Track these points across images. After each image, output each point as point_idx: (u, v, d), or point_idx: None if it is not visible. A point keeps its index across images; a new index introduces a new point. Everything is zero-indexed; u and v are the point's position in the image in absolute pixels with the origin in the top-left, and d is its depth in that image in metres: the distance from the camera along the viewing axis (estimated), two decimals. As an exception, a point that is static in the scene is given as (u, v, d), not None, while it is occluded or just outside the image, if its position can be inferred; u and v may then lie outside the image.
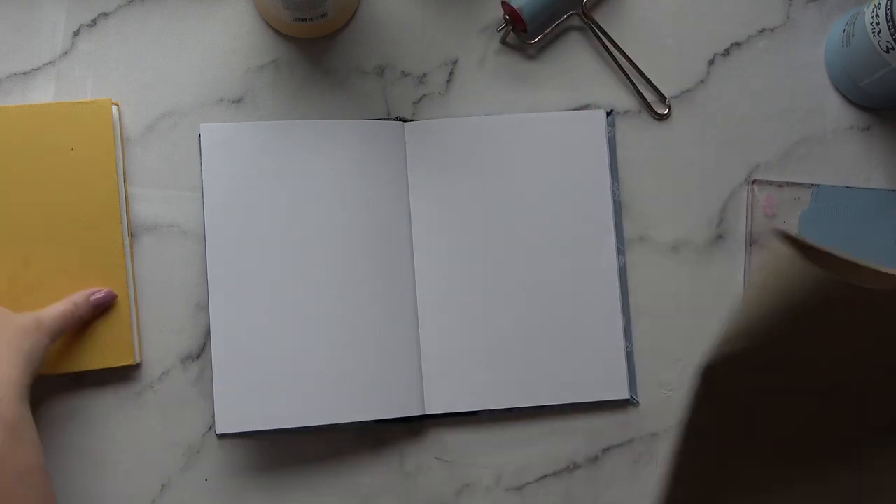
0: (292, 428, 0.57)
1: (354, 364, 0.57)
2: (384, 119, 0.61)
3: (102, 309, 0.57)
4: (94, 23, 0.63)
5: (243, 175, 0.58)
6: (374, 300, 0.58)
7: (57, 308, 0.55)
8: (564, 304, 0.60)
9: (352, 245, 0.58)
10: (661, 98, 0.64)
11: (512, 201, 0.61)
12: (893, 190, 0.63)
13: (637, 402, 0.60)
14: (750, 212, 0.62)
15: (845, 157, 0.64)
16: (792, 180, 0.63)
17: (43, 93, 0.61)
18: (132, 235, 0.60)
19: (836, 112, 0.64)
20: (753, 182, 0.62)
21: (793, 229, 0.62)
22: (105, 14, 0.63)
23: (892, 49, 0.57)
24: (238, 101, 0.62)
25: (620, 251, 0.61)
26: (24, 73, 0.62)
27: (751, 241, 0.62)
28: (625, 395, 0.59)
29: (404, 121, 0.61)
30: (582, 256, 0.60)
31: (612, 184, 0.61)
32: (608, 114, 0.62)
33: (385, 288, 0.58)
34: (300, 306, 0.57)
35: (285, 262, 0.58)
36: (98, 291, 0.57)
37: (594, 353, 0.59)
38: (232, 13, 0.63)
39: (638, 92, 0.64)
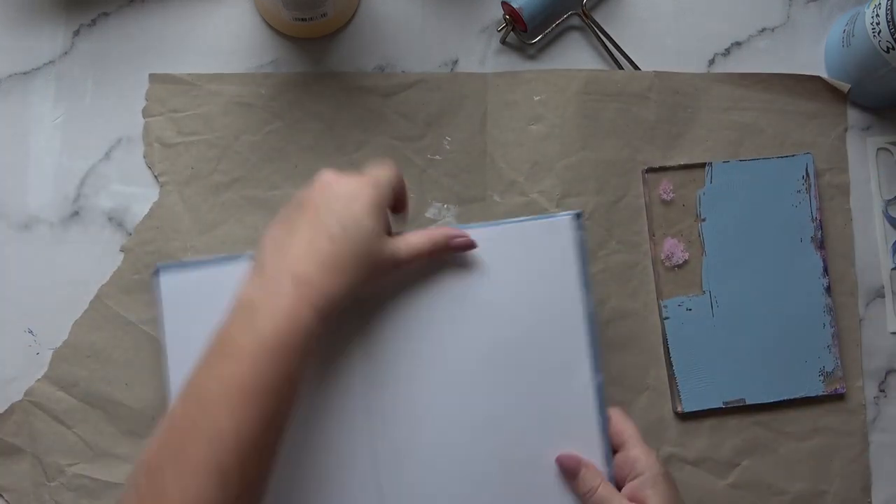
0: None
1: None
2: None
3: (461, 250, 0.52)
4: (94, 23, 0.63)
5: (204, 324, 0.48)
6: (332, 436, 0.52)
7: (414, 242, 0.50)
8: (538, 435, 0.53)
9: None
10: (662, 98, 0.64)
11: (474, 326, 0.53)
12: (783, 156, 0.62)
13: None
14: (647, 200, 0.62)
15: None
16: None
17: (43, 93, 0.61)
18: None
19: (836, 112, 0.65)
20: (647, 171, 0.62)
21: (692, 210, 0.61)
22: (105, 14, 0.63)
23: (892, 49, 0.57)
24: (238, 101, 0.62)
25: (596, 368, 0.53)
26: (24, 73, 0.62)
27: (652, 232, 0.62)
28: None
29: None
30: (554, 381, 0.53)
31: (585, 295, 0.54)
32: (577, 216, 0.54)
33: (341, 421, 0.52)
34: None
35: None
36: (459, 235, 0.51)
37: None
38: (232, 13, 0.63)
39: (638, 92, 0.64)
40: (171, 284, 0.53)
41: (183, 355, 0.49)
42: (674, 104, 0.63)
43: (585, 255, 0.54)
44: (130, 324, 0.59)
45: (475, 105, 0.62)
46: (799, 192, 0.62)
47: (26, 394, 0.58)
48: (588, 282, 0.54)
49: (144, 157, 0.61)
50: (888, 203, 0.63)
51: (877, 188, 0.64)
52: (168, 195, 0.60)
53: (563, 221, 0.54)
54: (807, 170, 0.62)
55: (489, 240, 0.53)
